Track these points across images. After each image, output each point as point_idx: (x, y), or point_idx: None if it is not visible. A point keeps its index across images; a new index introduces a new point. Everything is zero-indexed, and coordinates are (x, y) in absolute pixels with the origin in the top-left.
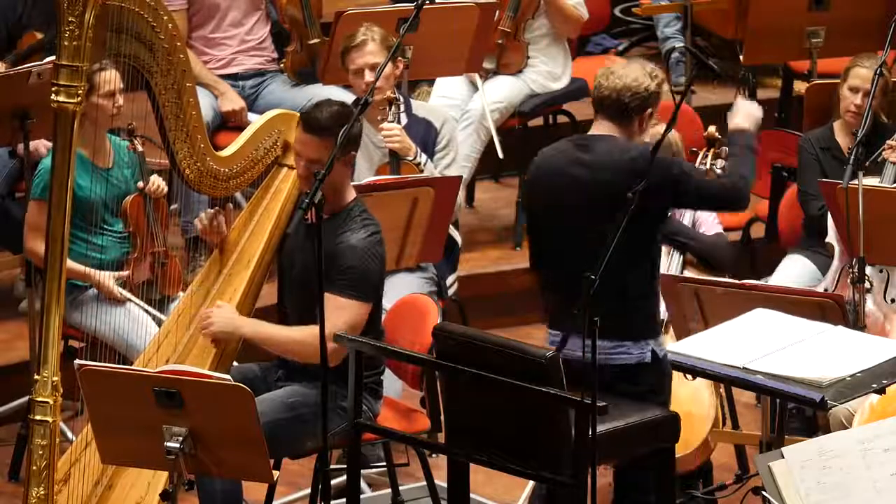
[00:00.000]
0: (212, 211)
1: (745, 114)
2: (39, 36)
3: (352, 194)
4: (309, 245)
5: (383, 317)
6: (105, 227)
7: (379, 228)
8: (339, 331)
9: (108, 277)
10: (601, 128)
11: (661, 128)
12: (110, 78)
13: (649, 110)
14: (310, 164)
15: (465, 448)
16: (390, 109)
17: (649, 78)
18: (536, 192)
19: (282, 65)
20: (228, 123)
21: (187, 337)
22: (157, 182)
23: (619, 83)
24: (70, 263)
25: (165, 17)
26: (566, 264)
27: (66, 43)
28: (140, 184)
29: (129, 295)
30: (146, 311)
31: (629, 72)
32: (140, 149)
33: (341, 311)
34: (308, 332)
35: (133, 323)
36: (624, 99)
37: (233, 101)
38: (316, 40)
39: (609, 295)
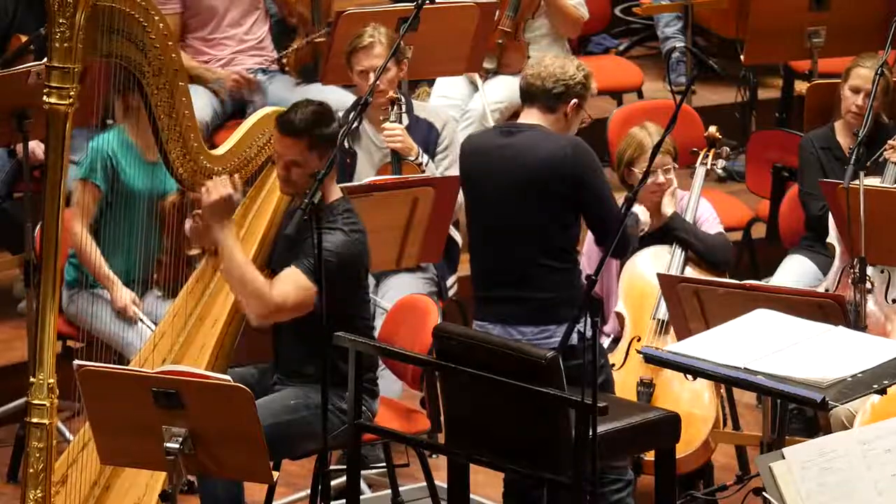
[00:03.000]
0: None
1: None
2: (25, 39)
3: (336, 194)
4: (292, 242)
5: (383, 318)
6: (149, 228)
7: (360, 227)
8: (284, 300)
9: (126, 296)
10: (528, 116)
11: (642, 131)
12: None
13: (574, 101)
14: (287, 164)
15: (465, 448)
16: (392, 109)
17: (576, 69)
18: (464, 178)
19: (284, 59)
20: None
21: (183, 337)
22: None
23: (545, 71)
24: (101, 263)
25: (157, 18)
26: (495, 249)
27: (56, 45)
28: None
29: (141, 315)
30: (151, 329)
31: (556, 62)
32: None
33: (296, 285)
34: (264, 288)
35: (130, 322)
36: (548, 85)
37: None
38: (322, 39)
39: (533, 282)
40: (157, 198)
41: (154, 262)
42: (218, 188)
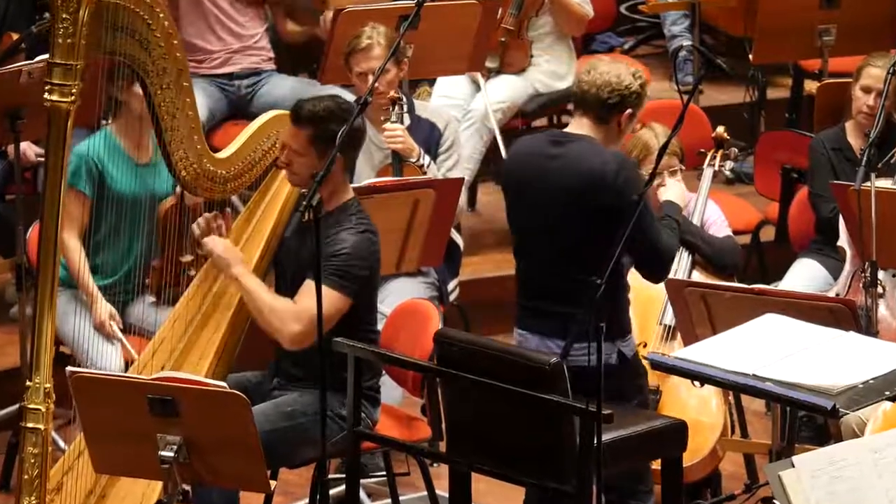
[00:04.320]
0: (209, 215)
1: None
2: (16, 37)
3: (349, 194)
4: (302, 242)
5: (383, 322)
6: (140, 232)
7: (374, 229)
8: (312, 317)
9: (105, 311)
10: (579, 125)
11: (649, 132)
12: None
13: (629, 111)
14: (286, 151)
15: (467, 457)
16: (393, 110)
17: (632, 77)
18: (512, 183)
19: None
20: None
21: (183, 343)
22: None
23: (600, 79)
24: (80, 266)
25: (161, 15)
26: (537, 261)
27: (59, 41)
28: (178, 189)
29: (120, 335)
30: (129, 349)
31: (612, 69)
32: None
33: (327, 304)
34: (284, 306)
35: (100, 340)
36: (603, 95)
37: None
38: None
39: (573, 298)
40: (149, 201)
41: (146, 268)
42: (216, 245)
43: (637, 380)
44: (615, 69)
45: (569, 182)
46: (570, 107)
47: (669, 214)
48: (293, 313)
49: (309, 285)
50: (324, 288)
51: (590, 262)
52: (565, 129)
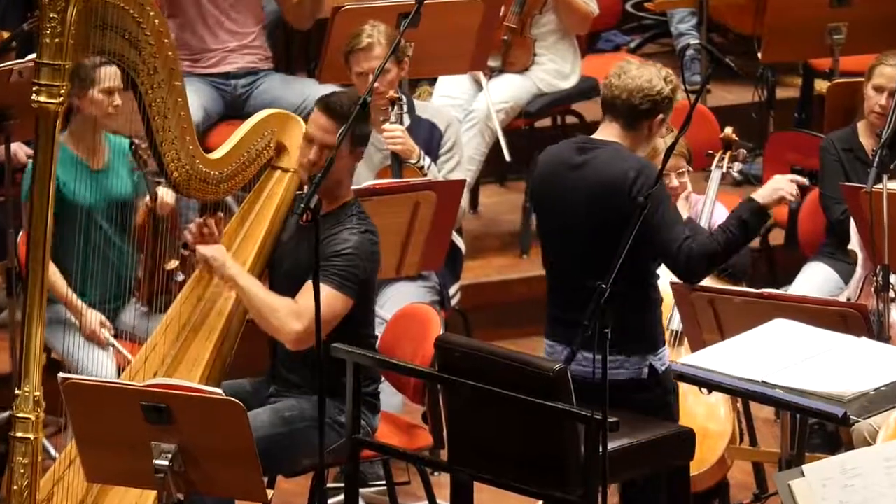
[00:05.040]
0: (200, 220)
1: (772, 188)
2: (7, 35)
3: (350, 193)
4: (300, 242)
5: (383, 328)
6: (108, 238)
7: (374, 229)
8: (312, 317)
9: (95, 320)
10: (608, 131)
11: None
12: (111, 74)
13: (661, 116)
14: (322, 149)
15: (469, 466)
16: (393, 110)
17: (664, 82)
18: (539, 193)
19: None
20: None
21: (176, 349)
22: (163, 198)
23: (631, 84)
24: (61, 285)
25: (152, 14)
26: (563, 271)
27: (47, 40)
28: (147, 200)
29: (113, 340)
30: (124, 353)
31: (643, 73)
32: (148, 167)
33: (326, 305)
34: (284, 305)
35: (93, 350)
36: (635, 101)
37: None
38: None
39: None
40: (114, 206)
41: (127, 275)
42: (208, 248)
43: (667, 396)
44: (647, 74)
45: (591, 190)
46: (575, 107)
47: (741, 215)
48: (294, 312)
49: (311, 285)
50: (325, 288)
51: (620, 271)
52: (594, 136)
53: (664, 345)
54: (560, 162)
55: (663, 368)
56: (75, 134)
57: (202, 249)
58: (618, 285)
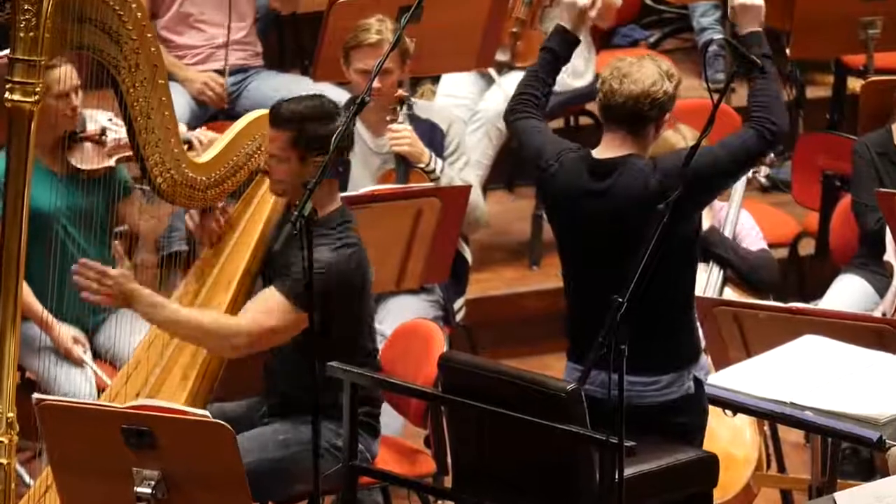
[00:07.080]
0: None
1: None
2: None
3: (335, 204)
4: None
5: (382, 344)
6: (81, 248)
7: (357, 242)
8: (261, 327)
9: (68, 337)
10: (614, 141)
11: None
12: (63, 76)
13: (667, 115)
14: (270, 158)
15: (475, 493)
16: (400, 109)
17: (667, 80)
18: (555, 210)
19: None
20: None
21: (160, 368)
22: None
23: (635, 89)
24: (31, 300)
25: (134, 6)
26: (587, 293)
27: (21, 34)
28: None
29: (87, 359)
30: (99, 375)
31: (645, 74)
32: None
33: (271, 310)
34: (226, 323)
35: (70, 369)
36: (643, 108)
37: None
38: None
39: (639, 324)
40: (79, 212)
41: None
42: (120, 288)
43: (703, 416)
44: (648, 74)
45: (622, 217)
46: (589, 106)
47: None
48: (233, 325)
49: (263, 295)
50: (270, 291)
51: (653, 287)
52: (598, 151)
53: (703, 350)
54: (578, 191)
55: (703, 376)
56: (38, 138)
57: (116, 288)
58: (656, 301)
